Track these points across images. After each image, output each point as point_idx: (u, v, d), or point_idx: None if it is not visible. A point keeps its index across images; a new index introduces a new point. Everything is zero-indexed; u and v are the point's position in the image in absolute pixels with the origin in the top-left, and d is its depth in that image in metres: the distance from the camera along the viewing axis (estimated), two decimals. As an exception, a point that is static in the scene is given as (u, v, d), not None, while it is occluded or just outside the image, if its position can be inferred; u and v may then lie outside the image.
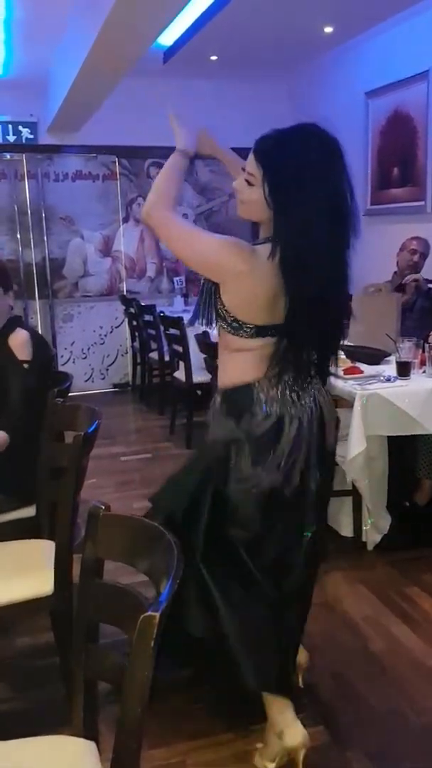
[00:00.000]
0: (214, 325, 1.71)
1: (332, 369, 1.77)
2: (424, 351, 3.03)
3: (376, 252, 5.10)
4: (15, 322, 2.37)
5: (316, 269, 1.58)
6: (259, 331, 1.63)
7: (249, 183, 1.61)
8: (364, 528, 2.93)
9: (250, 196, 1.62)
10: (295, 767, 1.74)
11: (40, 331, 5.06)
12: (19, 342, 2.30)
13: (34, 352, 2.31)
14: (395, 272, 4.17)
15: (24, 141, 6.13)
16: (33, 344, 2.33)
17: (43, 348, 2.42)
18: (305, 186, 1.55)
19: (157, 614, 0.99)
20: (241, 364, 1.68)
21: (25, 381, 2.25)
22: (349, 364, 3.04)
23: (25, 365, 2.28)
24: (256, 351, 1.65)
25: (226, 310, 1.63)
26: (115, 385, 6.55)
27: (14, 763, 1.28)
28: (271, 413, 1.66)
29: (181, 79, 5.69)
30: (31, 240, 6.08)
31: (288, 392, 1.67)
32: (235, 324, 1.64)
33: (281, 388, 1.67)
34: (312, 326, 1.63)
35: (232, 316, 1.63)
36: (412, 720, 1.97)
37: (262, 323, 1.62)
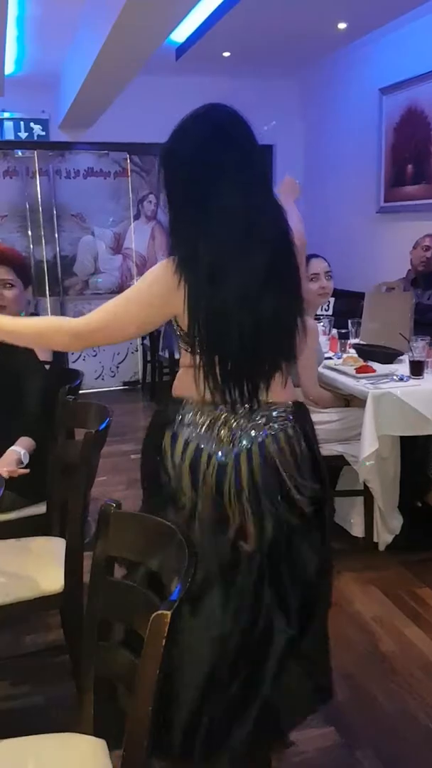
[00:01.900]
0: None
1: (263, 399, 1.48)
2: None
3: (390, 250, 5.08)
4: None
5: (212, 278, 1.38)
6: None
7: None
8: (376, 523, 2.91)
9: None
10: None
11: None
12: None
13: (54, 353, 2.33)
14: (409, 269, 4.15)
15: (36, 138, 6.13)
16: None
17: (61, 352, 2.43)
18: (180, 191, 1.43)
19: (169, 612, 0.98)
20: (182, 376, 1.55)
21: (45, 383, 2.24)
22: (361, 362, 3.02)
23: (46, 366, 2.28)
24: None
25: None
26: (125, 383, 6.55)
27: (24, 760, 1.28)
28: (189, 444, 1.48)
29: (194, 76, 5.67)
30: (43, 237, 6.08)
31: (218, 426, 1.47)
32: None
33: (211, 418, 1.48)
34: (216, 339, 1.41)
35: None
36: (423, 721, 1.96)
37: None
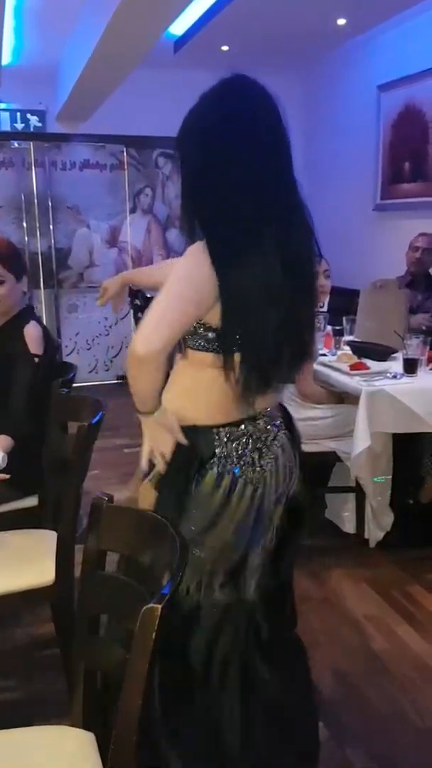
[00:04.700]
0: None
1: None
2: (431, 348, 3.01)
3: (386, 247, 5.08)
4: (30, 313, 2.37)
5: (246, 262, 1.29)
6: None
7: None
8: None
9: None
10: None
11: (45, 322, 5.04)
12: (35, 335, 2.28)
13: (45, 347, 2.31)
14: (406, 271, 4.14)
15: (32, 129, 6.10)
16: (45, 340, 2.32)
17: (52, 344, 2.41)
18: (213, 159, 1.32)
19: (160, 606, 0.98)
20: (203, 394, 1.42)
21: (33, 375, 2.22)
22: (355, 359, 3.02)
23: (36, 359, 2.26)
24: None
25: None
26: (119, 377, 6.53)
27: (13, 753, 1.27)
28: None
29: (192, 70, 5.62)
30: (38, 229, 6.05)
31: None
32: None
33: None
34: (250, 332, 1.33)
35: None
36: (413, 720, 1.96)
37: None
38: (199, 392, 1.41)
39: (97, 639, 1.32)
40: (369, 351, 3.14)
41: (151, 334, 1.29)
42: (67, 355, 6.23)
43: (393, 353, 3.12)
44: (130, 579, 1.22)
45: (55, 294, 6.20)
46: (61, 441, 2.09)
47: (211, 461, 1.39)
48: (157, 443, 1.40)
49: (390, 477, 2.89)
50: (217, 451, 1.39)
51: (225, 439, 1.39)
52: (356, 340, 3.44)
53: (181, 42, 5.28)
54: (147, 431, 1.41)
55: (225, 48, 5.40)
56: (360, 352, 3.13)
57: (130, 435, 4.67)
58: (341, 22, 4.85)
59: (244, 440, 1.40)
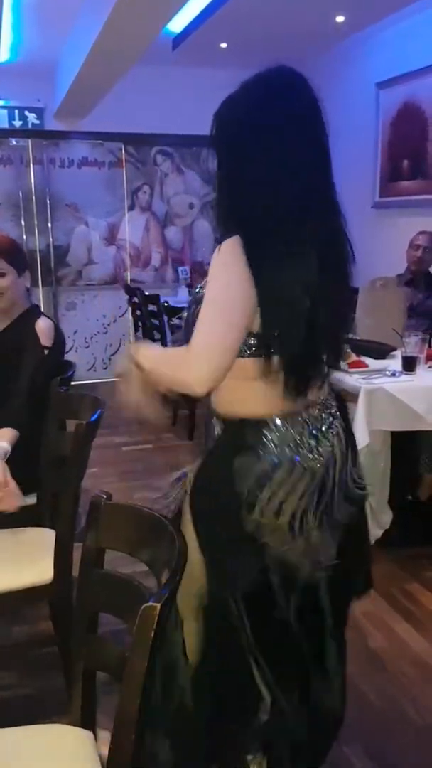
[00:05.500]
0: None
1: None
2: (430, 346, 3.01)
3: (385, 245, 5.07)
4: (38, 310, 2.38)
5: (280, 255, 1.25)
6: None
7: None
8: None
9: None
10: None
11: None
12: (46, 327, 2.29)
13: (55, 340, 2.30)
14: (406, 269, 4.13)
15: (30, 126, 6.08)
16: (55, 334, 2.32)
17: (61, 340, 2.41)
18: (253, 144, 1.26)
19: (159, 605, 0.97)
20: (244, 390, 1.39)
21: (40, 365, 2.21)
22: (354, 357, 3.02)
23: (45, 351, 2.26)
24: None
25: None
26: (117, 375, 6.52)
27: (11, 751, 1.27)
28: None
29: (190, 67, 5.64)
30: (36, 227, 6.04)
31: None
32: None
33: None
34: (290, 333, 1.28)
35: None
36: (412, 718, 1.96)
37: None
38: (245, 395, 1.37)
39: (95, 637, 1.32)
40: (368, 349, 3.14)
41: (208, 373, 1.24)
42: (66, 353, 6.20)
43: (392, 351, 3.12)
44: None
45: (53, 292, 6.19)
46: (59, 439, 2.08)
47: (265, 448, 1.35)
48: (128, 390, 1.40)
49: (388, 475, 2.89)
50: (273, 438, 1.35)
51: (283, 428, 1.36)
52: (355, 337, 3.44)
53: (179, 39, 5.27)
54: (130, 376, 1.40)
55: (223, 45, 5.39)
56: (359, 349, 3.13)
57: (128, 433, 4.68)
58: (340, 19, 4.85)
59: (300, 428, 1.37)
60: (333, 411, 1.45)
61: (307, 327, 1.28)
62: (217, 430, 1.44)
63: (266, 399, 1.35)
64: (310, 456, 1.37)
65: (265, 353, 1.28)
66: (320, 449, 1.38)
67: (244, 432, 1.36)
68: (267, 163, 1.25)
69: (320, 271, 1.28)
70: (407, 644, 2.29)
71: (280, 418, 1.36)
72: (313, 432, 1.39)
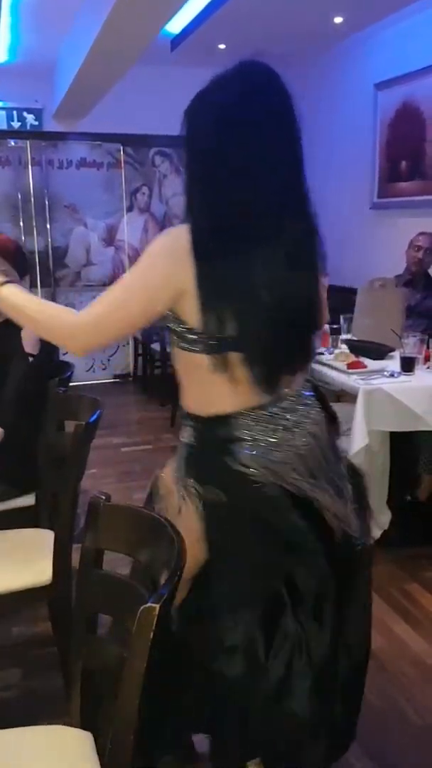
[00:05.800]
0: None
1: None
2: (429, 347, 3.01)
3: (383, 246, 5.08)
4: None
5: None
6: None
7: None
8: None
9: None
10: None
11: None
12: (31, 335, 2.30)
13: (41, 348, 2.33)
14: (405, 269, 4.13)
15: (29, 127, 6.08)
16: (41, 342, 2.34)
17: (49, 345, 2.42)
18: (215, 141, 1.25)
19: (157, 606, 0.97)
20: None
21: (26, 373, 2.24)
22: (352, 358, 3.02)
23: (30, 359, 2.28)
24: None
25: None
26: (116, 376, 6.53)
27: (10, 753, 1.27)
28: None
29: (189, 68, 5.60)
30: (34, 228, 6.04)
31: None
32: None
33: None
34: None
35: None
36: (411, 718, 1.96)
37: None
38: (210, 392, 1.35)
39: (94, 638, 1.32)
40: (366, 349, 3.14)
41: (89, 346, 1.31)
42: (64, 354, 6.20)
43: (390, 351, 3.12)
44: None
45: (52, 293, 6.19)
46: (58, 440, 2.08)
47: (240, 444, 1.33)
48: None
49: (387, 475, 2.89)
50: (245, 434, 1.33)
51: (252, 422, 1.34)
52: (354, 338, 3.44)
53: (178, 40, 5.27)
54: None
55: (222, 46, 5.39)
56: (357, 350, 3.13)
57: (127, 433, 4.68)
58: (338, 20, 4.85)
59: (268, 424, 1.35)
60: (309, 402, 1.42)
61: (269, 322, 1.27)
62: (188, 430, 1.44)
63: (232, 395, 1.32)
64: (278, 451, 1.35)
65: (216, 350, 1.27)
66: (293, 443, 1.36)
67: (213, 429, 1.36)
68: (244, 158, 1.23)
69: (290, 268, 1.27)
70: (406, 644, 2.29)
71: (247, 413, 1.34)
72: (284, 424, 1.36)
